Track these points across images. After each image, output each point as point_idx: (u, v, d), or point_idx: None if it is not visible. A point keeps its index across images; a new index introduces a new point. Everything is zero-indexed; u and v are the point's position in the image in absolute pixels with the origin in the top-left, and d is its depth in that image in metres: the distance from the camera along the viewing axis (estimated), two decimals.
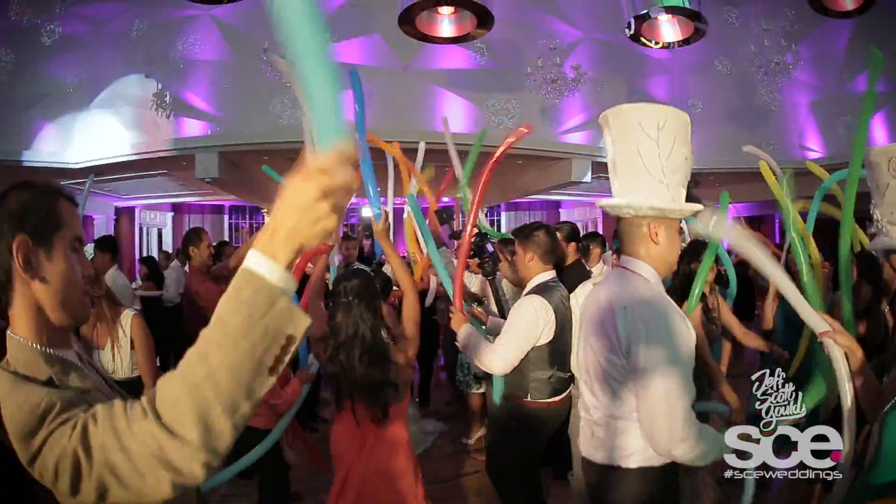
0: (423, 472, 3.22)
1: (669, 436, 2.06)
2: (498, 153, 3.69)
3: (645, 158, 2.23)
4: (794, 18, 14.40)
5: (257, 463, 3.75)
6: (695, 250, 3.99)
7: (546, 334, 3.46)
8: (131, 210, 19.59)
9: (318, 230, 1.03)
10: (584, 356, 2.52)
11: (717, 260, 4.54)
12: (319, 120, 1.02)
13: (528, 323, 3.39)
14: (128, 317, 3.56)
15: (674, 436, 2.05)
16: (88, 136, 13.24)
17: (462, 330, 3.53)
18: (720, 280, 4.87)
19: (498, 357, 3.36)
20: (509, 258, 4.55)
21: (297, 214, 1.02)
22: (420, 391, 7.44)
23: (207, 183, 13.03)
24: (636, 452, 2.26)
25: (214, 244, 5.48)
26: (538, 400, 3.55)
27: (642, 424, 2.17)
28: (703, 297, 4.22)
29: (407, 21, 9.49)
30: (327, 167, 1.00)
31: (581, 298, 3.52)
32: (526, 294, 3.60)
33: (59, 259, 1.33)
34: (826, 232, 4.40)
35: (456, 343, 3.64)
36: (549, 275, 3.64)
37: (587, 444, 2.49)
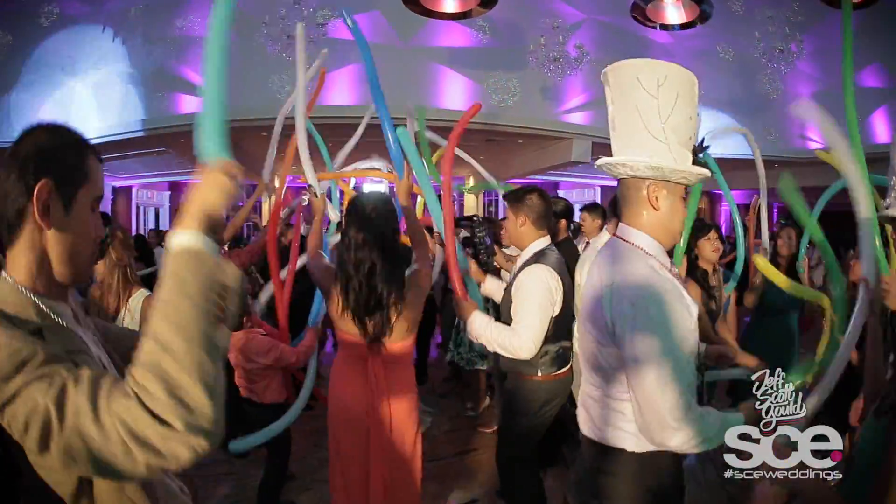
0: (421, 449, 3.13)
1: (662, 427, 1.91)
2: (457, 129, 3.57)
3: (644, 115, 2.05)
4: (799, 10, 14.33)
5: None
6: (699, 227, 3.92)
7: (557, 304, 3.27)
8: (128, 189, 19.60)
9: (223, 196, 1.20)
10: (580, 336, 2.37)
11: (726, 241, 4.51)
12: (211, 135, 1.24)
13: (542, 292, 3.16)
14: (140, 297, 3.44)
15: (666, 427, 1.90)
16: (87, 114, 13.14)
17: (473, 320, 3.23)
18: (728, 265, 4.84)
19: (524, 339, 3.09)
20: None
21: (209, 188, 1.20)
22: (417, 369, 7.35)
23: None
24: (634, 435, 2.10)
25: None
26: (549, 374, 3.41)
27: (635, 414, 2.03)
28: (705, 275, 4.19)
29: None
30: (223, 165, 1.21)
31: (587, 268, 3.32)
32: (524, 264, 3.38)
33: (79, 213, 1.28)
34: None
35: (468, 334, 3.33)
36: (545, 241, 3.43)
37: (584, 421, 2.33)
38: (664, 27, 11.67)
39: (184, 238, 1.13)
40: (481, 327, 3.20)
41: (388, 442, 2.93)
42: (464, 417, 6.28)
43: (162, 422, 1.01)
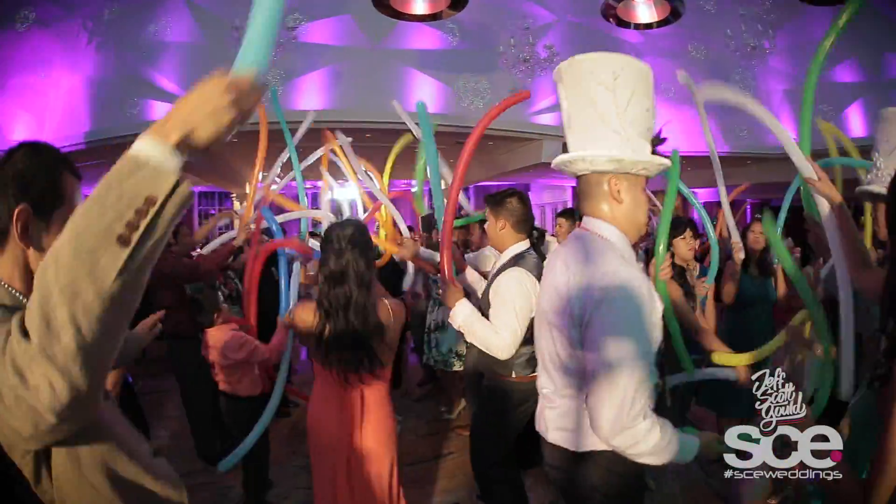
0: (399, 453, 3.15)
1: (611, 423, 1.86)
2: (494, 113, 3.40)
3: (600, 109, 2.03)
4: (772, 7, 14.45)
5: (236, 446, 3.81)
6: (674, 226, 3.93)
7: (534, 307, 3.17)
8: None
9: (212, 119, 1.05)
10: (539, 332, 2.35)
11: (703, 235, 4.53)
12: (254, 42, 1.10)
13: (519, 293, 3.15)
14: None
15: (615, 424, 1.85)
16: (61, 120, 12.92)
17: (459, 308, 3.18)
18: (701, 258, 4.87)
19: (504, 339, 3.09)
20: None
21: (198, 100, 1.05)
22: (391, 373, 7.33)
23: None
24: (590, 435, 2.06)
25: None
26: (522, 375, 3.38)
27: (587, 405, 1.97)
28: (682, 272, 4.20)
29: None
30: (241, 78, 1.07)
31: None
32: (503, 267, 3.37)
33: (55, 233, 1.28)
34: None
35: (450, 319, 3.27)
36: (524, 245, 3.44)
37: (553, 428, 2.28)
38: (636, 27, 11.72)
39: (141, 145, 1.03)
40: (466, 317, 3.17)
41: (365, 471, 2.93)
42: (440, 420, 6.27)
43: (25, 334, 0.97)
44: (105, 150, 12.37)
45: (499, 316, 3.18)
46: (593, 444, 2.09)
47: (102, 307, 0.99)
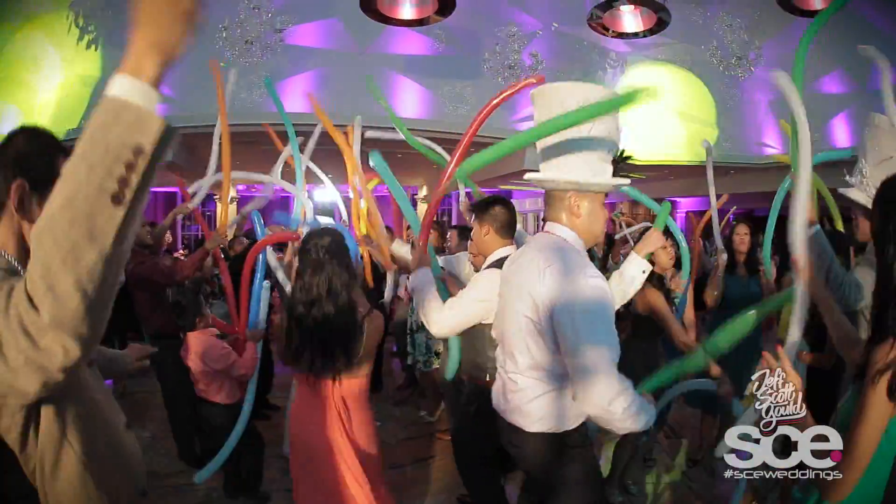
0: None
1: (608, 390, 2.10)
2: (508, 93, 3.45)
3: (564, 135, 2.31)
4: (759, 18, 14.56)
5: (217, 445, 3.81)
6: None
7: (492, 311, 3.25)
8: None
9: (177, 20, 1.01)
10: (502, 318, 2.63)
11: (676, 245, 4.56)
12: None
13: (484, 296, 3.15)
14: None
15: (611, 390, 2.10)
16: (50, 116, 12.83)
17: (418, 273, 3.23)
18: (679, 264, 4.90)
19: (442, 317, 3.09)
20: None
21: (153, 6, 1.00)
22: (371, 377, 7.32)
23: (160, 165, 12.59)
24: (544, 418, 2.38)
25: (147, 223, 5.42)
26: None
27: (576, 384, 2.20)
28: (661, 279, 4.24)
29: (368, 3, 9.40)
30: None
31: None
32: (484, 268, 3.41)
33: None
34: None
35: (409, 285, 3.34)
36: (509, 250, 3.40)
37: (498, 400, 2.63)
38: (622, 35, 11.79)
39: (118, 86, 1.00)
40: (421, 282, 3.18)
41: (346, 474, 2.91)
42: (420, 424, 6.25)
43: (34, 307, 0.98)
44: None
45: (457, 298, 3.19)
46: (546, 426, 2.38)
47: (105, 266, 1.00)
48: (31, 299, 0.99)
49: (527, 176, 2.52)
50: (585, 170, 2.34)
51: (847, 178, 3.01)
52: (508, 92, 3.44)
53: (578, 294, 2.21)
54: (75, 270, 0.97)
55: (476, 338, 3.43)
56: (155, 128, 1.00)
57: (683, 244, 4.91)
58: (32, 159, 1.44)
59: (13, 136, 1.47)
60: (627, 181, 2.43)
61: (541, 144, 2.46)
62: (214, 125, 5.27)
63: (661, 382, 2.72)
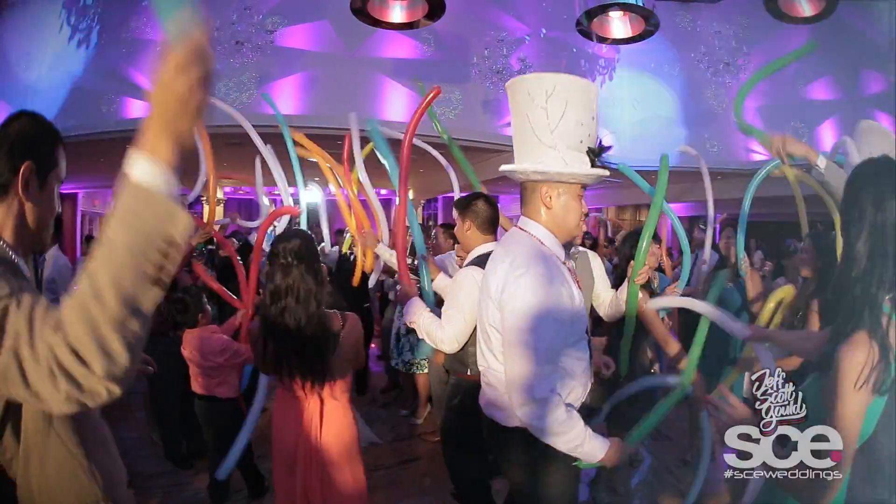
0: (364, 459, 3.16)
1: (520, 394, 2.18)
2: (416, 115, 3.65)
3: (534, 125, 2.32)
4: (748, 24, 14.64)
5: (202, 447, 3.80)
6: (636, 236, 4.00)
7: None
8: (74, 196, 19.33)
9: (187, 107, 1.09)
10: (479, 313, 2.63)
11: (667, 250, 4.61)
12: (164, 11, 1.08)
13: (470, 294, 3.25)
14: None
15: (522, 395, 2.17)
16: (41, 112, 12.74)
17: (410, 306, 3.39)
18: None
19: (447, 333, 3.24)
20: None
21: (164, 96, 1.08)
22: (357, 380, 7.35)
23: None
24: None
25: None
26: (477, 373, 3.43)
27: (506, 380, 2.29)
28: (648, 283, 4.26)
29: (359, 6, 9.39)
30: (186, 46, 1.07)
31: None
32: (465, 265, 3.50)
33: (50, 191, 1.56)
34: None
35: (405, 321, 3.47)
36: (490, 246, 3.51)
37: (481, 397, 2.67)
38: (613, 42, 11.79)
39: (141, 169, 1.09)
40: (416, 312, 3.35)
41: (327, 480, 2.92)
42: (406, 426, 6.28)
43: (83, 363, 1.06)
44: (80, 146, 12.24)
45: (447, 310, 3.32)
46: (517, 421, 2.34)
47: (144, 329, 1.13)
48: (77, 353, 1.06)
49: (501, 168, 2.51)
50: (556, 160, 2.31)
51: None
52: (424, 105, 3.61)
53: (514, 293, 2.24)
54: (124, 336, 1.08)
55: None
56: (184, 222, 1.11)
57: (687, 249, 4.96)
58: (38, 142, 1.50)
59: (15, 118, 1.51)
60: (605, 172, 2.38)
61: (514, 135, 2.48)
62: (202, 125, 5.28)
63: (648, 429, 2.83)
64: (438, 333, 3.25)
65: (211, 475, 4.28)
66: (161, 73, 1.07)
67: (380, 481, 4.70)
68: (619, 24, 10.73)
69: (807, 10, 10.41)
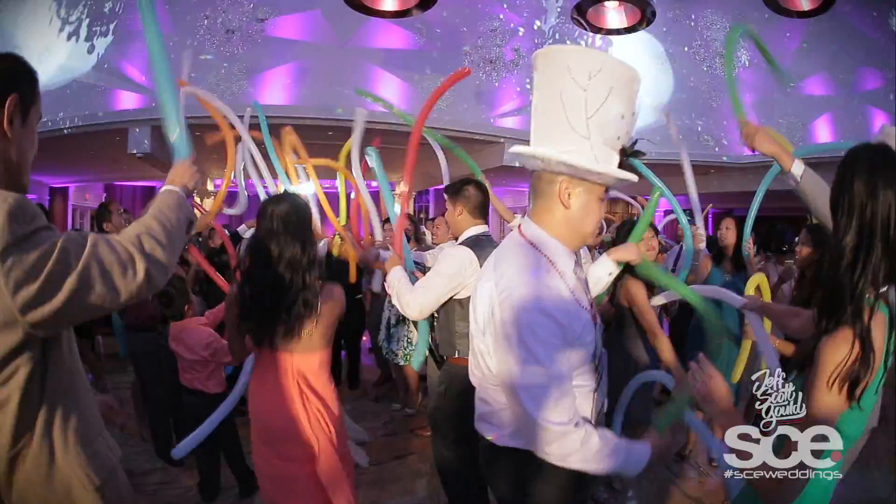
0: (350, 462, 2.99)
1: (541, 432, 1.78)
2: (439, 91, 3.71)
3: (567, 107, 1.86)
4: (744, 17, 14.61)
5: (201, 445, 3.71)
6: (632, 224, 3.95)
7: (470, 287, 3.16)
8: (65, 191, 19.32)
9: (191, 179, 1.99)
10: (471, 322, 2.17)
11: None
12: (181, 142, 2.11)
13: (451, 272, 3.32)
14: None
15: (545, 432, 1.77)
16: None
17: (392, 271, 3.47)
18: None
19: (414, 300, 3.30)
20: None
21: (182, 173, 1.99)
22: (349, 374, 7.46)
23: (139, 158, 12.41)
24: (520, 431, 1.94)
25: (123, 210, 5.52)
26: (466, 356, 3.17)
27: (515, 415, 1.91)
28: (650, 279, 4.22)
29: None
30: (189, 161, 2.05)
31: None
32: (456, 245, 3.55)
33: (31, 126, 1.60)
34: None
35: (385, 283, 3.54)
36: (481, 229, 3.58)
37: (509, 434, 2.07)
38: (608, 32, 11.76)
39: (173, 188, 1.91)
40: (394, 278, 3.44)
41: (310, 455, 2.74)
42: (400, 420, 6.25)
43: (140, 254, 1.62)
44: (71, 139, 12.15)
45: (422, 282, 3.41)
46: (513, 442, 2.00)
47: (173, 263, 1.74)
48: (141, 249, 1.63)
49: (513, 149, 2.03)
50: (587, 153, 1.87)
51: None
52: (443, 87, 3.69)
53: (505, 302, 1.84)
54: (174, 254, 1.73)
55: (447, 313, 3.48)
56: (195, 213, 1.99)
57: (689, 243, 4.93)
58: (22, 77, 1.57)
59: None
60: (635, 177, 1.96)
61: (536, 114, 2.00)
62: (194, 116, 5.17)
63: (673, 416, 2.39)
64: (406, 296, 3.32)
65: (201, 472, 4.23)
66: (181, 168, 2.00)
67: (371, 476, 4.64)
68: (613, 15, 10.71)
69: (804, 5, 10.40)
